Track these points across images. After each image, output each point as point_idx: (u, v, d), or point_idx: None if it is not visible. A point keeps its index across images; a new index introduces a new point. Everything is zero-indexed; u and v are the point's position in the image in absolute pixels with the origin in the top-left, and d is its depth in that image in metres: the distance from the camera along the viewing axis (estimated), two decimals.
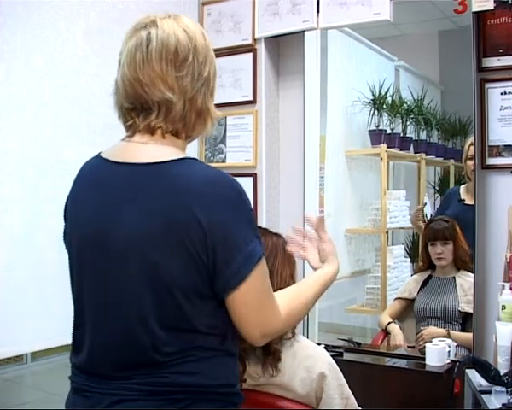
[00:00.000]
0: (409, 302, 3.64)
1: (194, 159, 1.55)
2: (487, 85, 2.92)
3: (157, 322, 1.46)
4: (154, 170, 1.49)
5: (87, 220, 1.56)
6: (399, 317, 3.68)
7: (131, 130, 1.58)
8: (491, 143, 2.91)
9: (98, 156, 1.63)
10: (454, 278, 3.48)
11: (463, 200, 3.66)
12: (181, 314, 1.46)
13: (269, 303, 1.56)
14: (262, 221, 3.48)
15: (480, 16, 2.90)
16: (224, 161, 3.66)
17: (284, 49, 3.64)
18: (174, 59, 1.52)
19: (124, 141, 1.59)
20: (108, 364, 1.51)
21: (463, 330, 3.31)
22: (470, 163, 3.57)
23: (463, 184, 3.76)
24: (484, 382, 2.35)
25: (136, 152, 1.53)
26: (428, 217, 3.90)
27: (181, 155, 1.52)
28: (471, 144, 3.57)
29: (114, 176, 1.54)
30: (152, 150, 1.52)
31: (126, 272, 1.48)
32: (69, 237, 1.63)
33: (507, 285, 2.63)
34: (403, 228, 4.29)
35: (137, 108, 1.54)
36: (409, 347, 3.45)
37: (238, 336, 1.57)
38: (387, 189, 4.14)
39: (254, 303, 1.51)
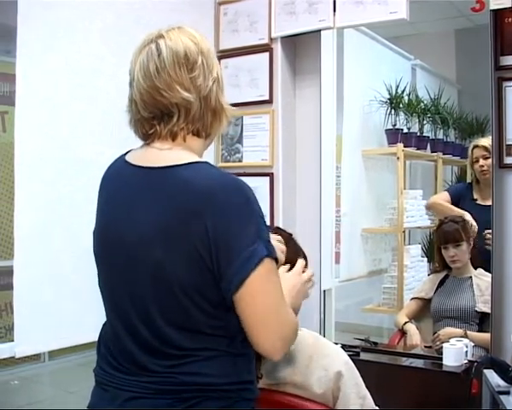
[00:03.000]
0: (425, 302, 3.63)
1: (207, 163, 1.59)
2: (505, 84, 2.89)
3: (163, 320, 1.51)
4: (166, 173, 1.55)
5: (107, 220, 1.65)
6: (416, 317, 3.67)
7: (152, 137, 1.63)
8: (508, 142, 2.89)
9: (122, 159, 1.69)
10: (471, 277, 3.46)
11: (476, 199, 3.66)
12: (184, 313, 1.50)
13: (282, 304, 1.55)
14: (279, 220, 3.48)
15: (498, 14, 2.88)
16: (240, 161, 3.66)
17: (300, 48, 3.63)
18: (186, 62, 1.60)
19: (145, 146, 1.65)
20: (122, 359, 1.58)
21: (480, 330, 3.29)
22: (476, 166, 3.59)
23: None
24: (502, 382, 2.34)
25: (155, 156, 1.60)
26: None
27: (194, 159, 1.57)
28: (474, 147, 3.60)
29: (133, 179, 1.62)
30: (169, 155, 1.59)
31: (135, 271, 1.54)
32: (94, 236, 1.69)
33: None
34: (420, 228, 4.28)
35: (157, 115, 1.60)
36: (425, 347, 3.44)
37: None
38: (404, 188, 4.13)
39: (264, 305, 1.51)
